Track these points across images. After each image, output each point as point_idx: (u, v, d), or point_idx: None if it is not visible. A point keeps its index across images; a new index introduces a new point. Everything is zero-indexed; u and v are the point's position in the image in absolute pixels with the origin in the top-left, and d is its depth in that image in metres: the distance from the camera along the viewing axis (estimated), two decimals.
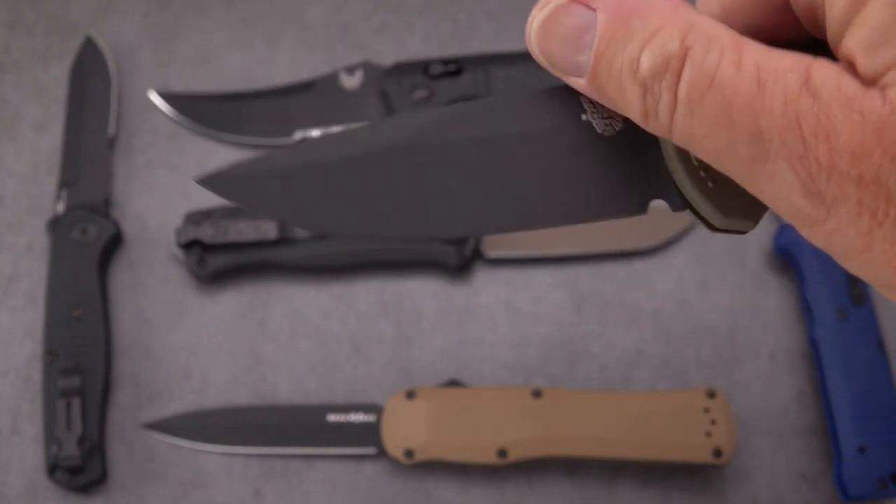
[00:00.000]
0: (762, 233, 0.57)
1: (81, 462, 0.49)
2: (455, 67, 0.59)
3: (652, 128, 0.22)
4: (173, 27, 0.63)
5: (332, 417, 0.52)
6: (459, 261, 0.55)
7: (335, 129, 0.59)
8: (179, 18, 0.63)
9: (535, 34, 0.24)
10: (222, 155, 0.59)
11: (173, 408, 0.53)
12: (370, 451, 0.51)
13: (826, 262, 0.53)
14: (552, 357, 0.54)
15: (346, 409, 0.52)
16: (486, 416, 0.50)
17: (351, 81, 0.60)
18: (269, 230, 0.54)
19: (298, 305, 0.56)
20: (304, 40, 0.62)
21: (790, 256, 0.54)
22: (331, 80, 0.60)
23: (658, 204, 0.25)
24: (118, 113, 0.60)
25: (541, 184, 0.24)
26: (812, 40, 0.23)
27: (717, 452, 0.48)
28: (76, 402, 0.50)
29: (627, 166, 0.25)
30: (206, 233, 0.54)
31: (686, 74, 0.20)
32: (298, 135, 0.59)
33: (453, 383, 0.52)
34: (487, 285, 0.56)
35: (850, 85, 0.19)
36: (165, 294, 0.56)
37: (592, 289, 0.56)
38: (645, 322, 0.55)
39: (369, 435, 0.51)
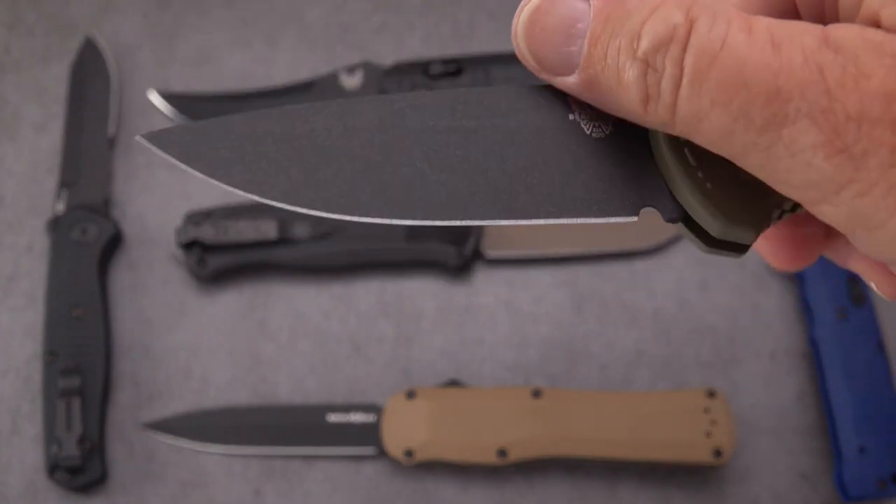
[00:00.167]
0: None
1: (81, 462, 0.49)
2: (455, 67, 0.59)
3: (651, 114, 0.21)
4: (173, 27, 0.63)
5: (332, 417, 0.52)
6: (459, 261, 0.55)
7: None
8: (179, 18, 0.63)
9: (522, 27, 0.23)
10: None
11: (173, 408, 0.53)
12: (370, 451, 0.51)
13: (826, 262, 0.53)
14: (552, 357, 0.54)
15: (346, 409, 0.52)
16: (486, 416, 0.50)
17: (351, 81, 0.59)
18: (269, 230, 0.54)
19: (298, 305, 0.56)
20: (304, 40, 0.62)
21: None
22: (331, 80, 0.60)
23: (649, 212, 0.24)
24: (118, 113, 0.60)
25: (519, 176, 0.23)
26: None
27: (717, 452, 0.48)
28: (76, 402, 0.50)
29: (615, 170, 0.24)
30: (206, 233, 0.54)
31: (693, 41, 0.20)
32: None
33: (453, 383, 0.52)
34: (487, 285, 0.56)
35: (875, 34, 0.19)
36: (165, 294, 0.56)
37: (592, 289, 0.56)
38: (645, 322, 0.55)
39: (369, 435, 0.51)
